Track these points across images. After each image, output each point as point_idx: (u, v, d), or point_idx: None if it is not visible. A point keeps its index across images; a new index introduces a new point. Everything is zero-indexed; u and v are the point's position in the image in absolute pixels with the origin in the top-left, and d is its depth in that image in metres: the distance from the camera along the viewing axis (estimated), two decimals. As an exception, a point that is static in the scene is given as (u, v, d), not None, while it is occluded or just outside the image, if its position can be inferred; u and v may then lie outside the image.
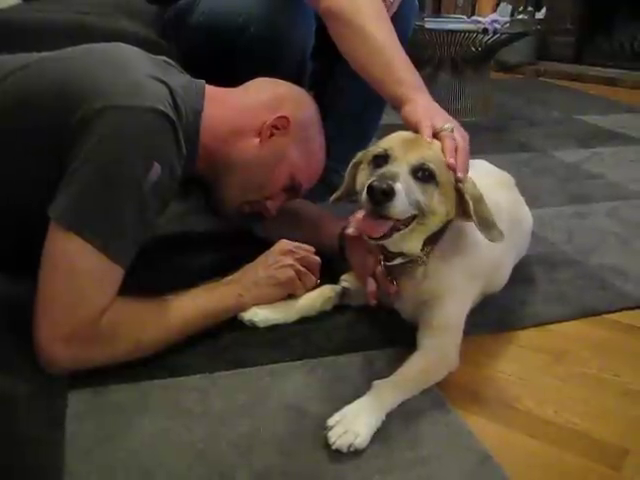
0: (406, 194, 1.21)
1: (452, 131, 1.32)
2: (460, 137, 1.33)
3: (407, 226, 1.26)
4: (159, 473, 1.07)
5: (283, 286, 1.50)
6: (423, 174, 1.24)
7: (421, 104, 1.39)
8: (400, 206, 1.20)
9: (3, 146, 1.29)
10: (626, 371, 1.39)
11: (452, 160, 1.27)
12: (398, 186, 1.19)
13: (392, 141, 1.31)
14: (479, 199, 1.28)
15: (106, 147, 1.21)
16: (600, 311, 1.61)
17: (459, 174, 1.27)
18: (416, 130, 1.33)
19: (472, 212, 1.26)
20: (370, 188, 1.19)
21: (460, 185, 1.27)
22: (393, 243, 1.31)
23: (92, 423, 1.17)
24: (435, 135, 1.31)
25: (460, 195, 1.28)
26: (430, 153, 1.26)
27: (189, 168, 1.41)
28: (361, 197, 1.25)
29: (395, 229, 1.25)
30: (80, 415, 1.19)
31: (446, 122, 1.34)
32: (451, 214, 1.30)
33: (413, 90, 1.43)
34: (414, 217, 1.26)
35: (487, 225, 1.28)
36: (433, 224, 1.30)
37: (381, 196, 1.18)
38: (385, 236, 1.25)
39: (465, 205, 1.27)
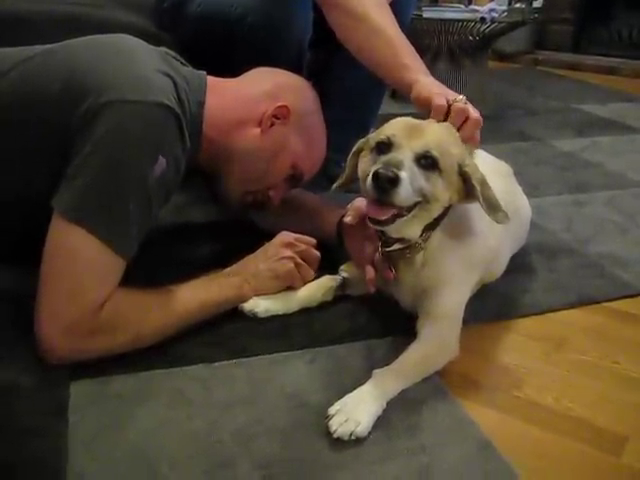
0: (410, 182, 1.21)
1: (466, 103, 1.34)
2: (473, 110, 1.34)
3: (410, 212, 1.26)
4: (161, 463, 1.07)
5: (282, 278, 1.50)
6: (427, 162, 1.24)
7: (431, 84, 1.42)
8: (404, 194, 1.20)
9: (7, 138, 1.29)
10: (625, 358, 1.40)
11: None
12: (403, 174, 1.20)
13: (395, 128, 1.30)
14: (484, 182, 1.28)
15: (112, 141, 1.22)
16: (599, 299, 1.62)
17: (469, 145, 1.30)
18: (429, 105, 1.34)
19: (479, 195, 1.26)
20: (376, 175, 1.19)
21: (466, 170, 1.27)
22: (395, 229, 1.31)
23: (94, 413, 1.18)
24: (447, 107, 1.33)
25: (464, 179, 1.28)
26: (434, 140, 1.26)
27: (192, 160, 1.41)
28: (365, 184, 1.25)
29: (399, 215, 1.25)
30: (82, 405, 1.20)
31: (459, 96, 1.36)
32: (454, 199, 1.30)
33: (419, 74, 1.45)
34: (416, 203, 1.26)
35: (493, 207, 1.28)
36: (435, 210, 1.30)
37: (386, 184, 1.19)
38: (387, 221, 1.25)
39: (472, 188, 1.27)
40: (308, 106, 1.58)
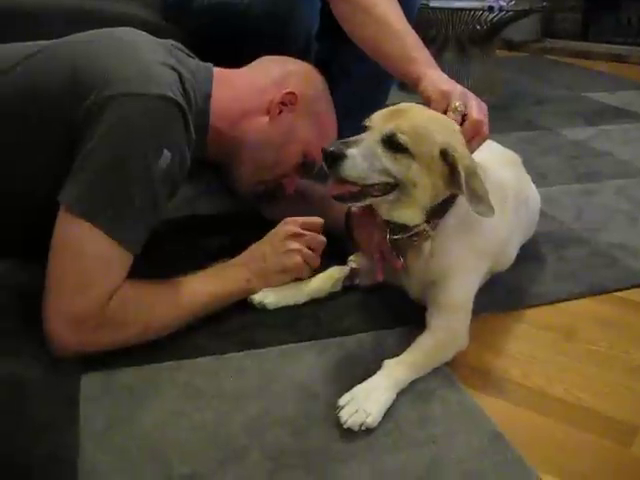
0: (367, 160, 1.23)
1: (462, 110, 1.35)
2: (477, 108, 1.35)
3: (385, 194, 1.28)
4: (172, 454, 1.08)
5: (290, 272, 1.50)
6: (394, 143, 1.25)
7: (439, 80, 1.42)
8: (351, 169, 1.23)
9: (13, 133, 1.29)
10: (635, 348, 1.39)
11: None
12: (350, 151, 1.23)
13: (379, 112, 1.32)
14: (472, 172, 1.26)
15: (117, 135, 1.22)
16: (609, 289, 1.61)
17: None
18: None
19: (463, 184, 1.24)
20: (322, 151, 1.24)
21: (453, 155, 1.25)
22: (385, 211, 1.33)
23: (105, 405, 1.18)
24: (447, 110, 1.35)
25: (453, 167, 1.26)
26: (408, 123, 1.26)
27: (200, 152, 1.41)
28: None
29: (367, 194, 1.28)
30: (93, 398, 1.20)
31: (463, 97, 1.36)
32: (440, 187, 1.29)
33: (427, 67, 1.45)
34: (394, 187, 1.27)
35: (477, 199, 1.25)
36: (421, 196, 1.29)
37: (330, 159, 1.23)
38: (346, 198, 1.29)
39: (458, 177, 1.25)
40: (316, 92, 1.58)
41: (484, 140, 1.38)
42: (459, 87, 1.40)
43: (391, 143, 1.25)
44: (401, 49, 1.50)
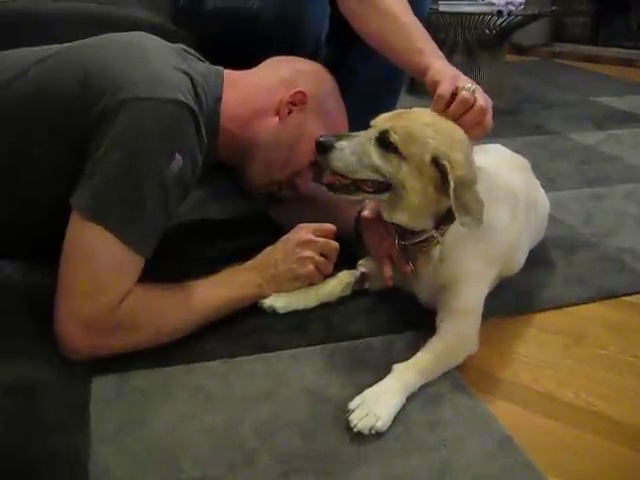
0: (355, 154, 1.29)
1: (474, 92, 1.34)
2: (483, 96, 1.35)
3: (377, 193, 1.32)
4: (183, 457, 1.08)
5: (302, 279, 1.50)
6: (385, 142, 1.28)
7: (445, 67, 1.44)
8: (338, 160, 1.30)
9: (24, 137, 1.30)
10: (645, 352, 1.39)
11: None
12: (340, 143, 1.30)
13: (384, 114, 1.35)
14: (465, 183, 1.25)
15: (128, 139, 1.22)
16: (618, 293, 1.61)
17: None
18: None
19: (451, 194, 1.23)
20: (315, 141, 1.35)
21: (443, 164, 1.24)
22: (386, 212, 1.36)
23: (116, 408, 1.19)
24: (455, 93, 1.34)
25: (444, 175, 1.25)
26: (404, 124, 1.28)
27: (212, 155, 1.42)
28: None
29: (360, 190, 1.33)
30: (104, 400, 1.21)
31: (470, 83, 1.37)
32: (430, 193, 1.29)
33: (434, 58, 1.47)
34: (387, 187, 1.31)
35: (464, 210, 1.24)
36: (412, 199, 1.29)
37: (321, 149, 1.32)
38: (343, 190, 1.35)
39: (447, 186, 1.24)
40: (325, 90, 1.59)
41: (485, 132, 1.38)
42: (467, 78, 1.41)
43: (383, 141, 1.28)
44: (408, 41, 1.52)
